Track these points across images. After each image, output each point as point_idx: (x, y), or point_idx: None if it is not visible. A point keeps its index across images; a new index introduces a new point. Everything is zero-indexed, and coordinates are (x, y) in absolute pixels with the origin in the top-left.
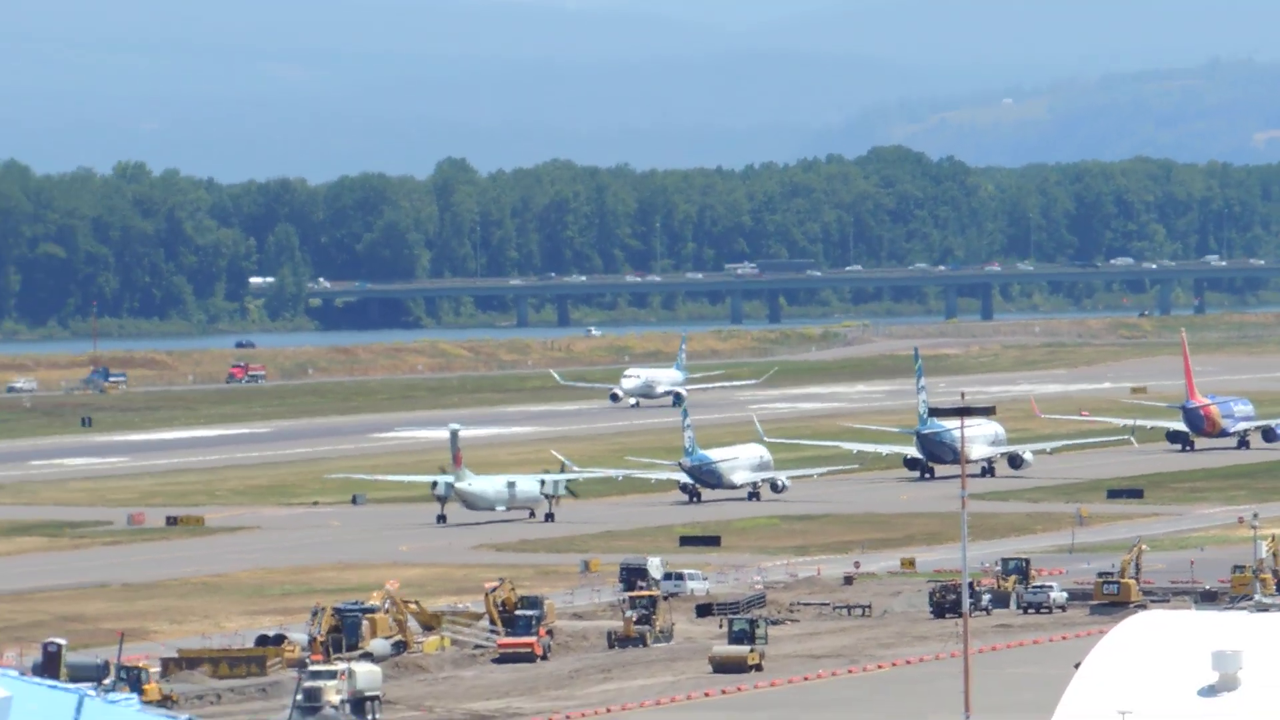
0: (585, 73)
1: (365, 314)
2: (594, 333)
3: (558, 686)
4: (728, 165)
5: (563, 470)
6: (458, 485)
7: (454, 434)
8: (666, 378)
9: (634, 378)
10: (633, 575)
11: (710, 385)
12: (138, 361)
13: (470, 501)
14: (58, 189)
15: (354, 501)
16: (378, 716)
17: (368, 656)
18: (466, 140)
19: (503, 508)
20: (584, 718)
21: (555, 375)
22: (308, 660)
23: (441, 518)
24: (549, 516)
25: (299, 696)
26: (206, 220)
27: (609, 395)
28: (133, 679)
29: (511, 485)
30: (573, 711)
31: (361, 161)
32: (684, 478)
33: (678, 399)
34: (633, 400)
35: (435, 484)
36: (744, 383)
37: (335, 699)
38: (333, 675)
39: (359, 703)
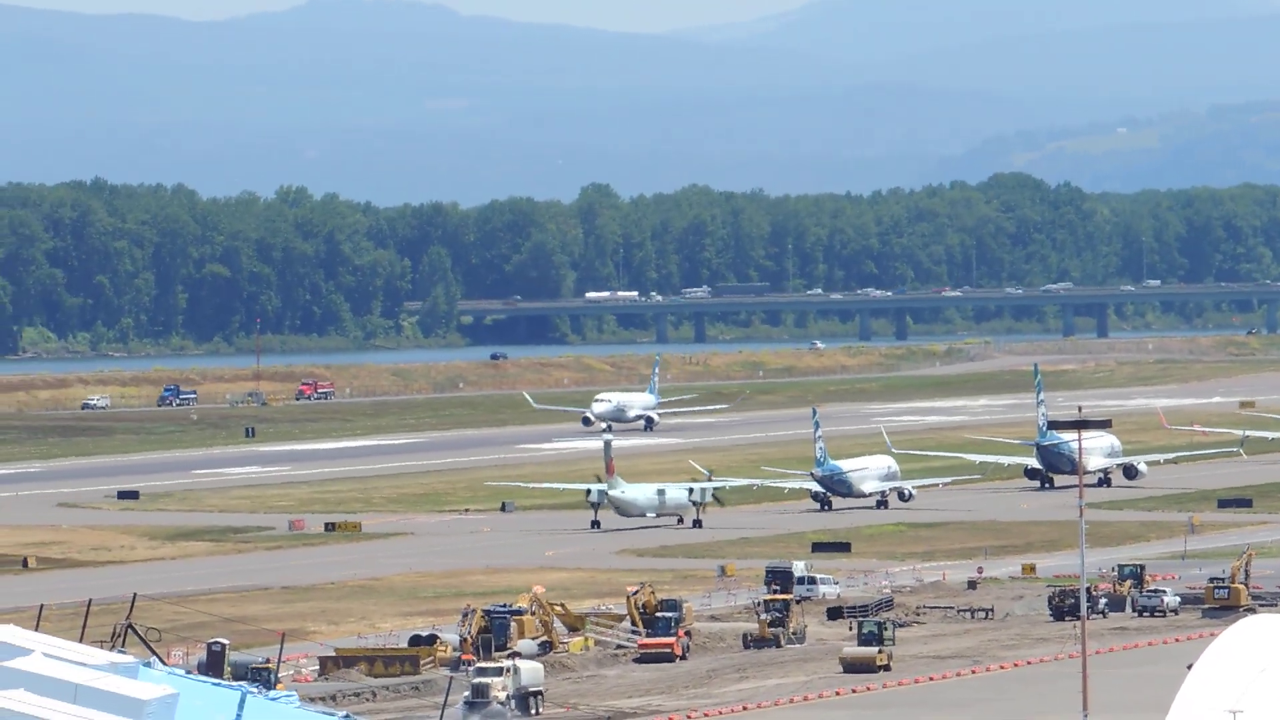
0: (722, 103)
1: (513, 331)
2: (819, 346)
3: (696, 685)
4: (856, 191)
5: (708, 479)
6: (611, 493)
7: (607, 444)
8: (639, 402)
9: (605, 402)
10: (777, 578)
11: (682, 410)
12: (298, 376)
13: (622, 508)
14: (223, 212)
15: (503, 509)
16: (541, 710)
17: (515, 656)
18: (609, 166)
19: (653, 514)
20: (720, 715)
21: (528, 398)
22: (459, 659)
23: (596, 523)
24: (697, 523)
25: (467, 693)
26: (364, 242)
27: (581, 419)
28: (263, 680)
29: (661, 493)
30: (710, 709)
31: (510, 186)
32: (815, 487)
33: (649, 423)
34: (604, 425)
35: (589, 491)
36: (714, 407)
37: (502, 695)
38: (499, 672)
39: (523, 698)
